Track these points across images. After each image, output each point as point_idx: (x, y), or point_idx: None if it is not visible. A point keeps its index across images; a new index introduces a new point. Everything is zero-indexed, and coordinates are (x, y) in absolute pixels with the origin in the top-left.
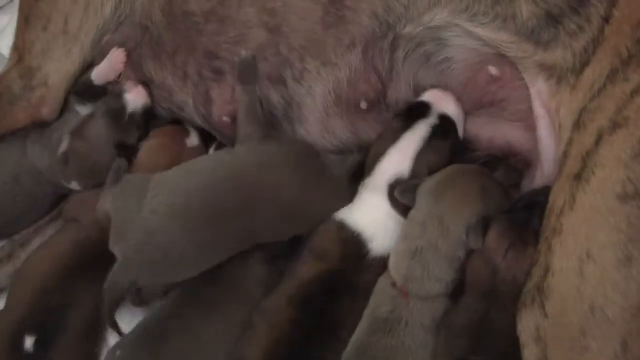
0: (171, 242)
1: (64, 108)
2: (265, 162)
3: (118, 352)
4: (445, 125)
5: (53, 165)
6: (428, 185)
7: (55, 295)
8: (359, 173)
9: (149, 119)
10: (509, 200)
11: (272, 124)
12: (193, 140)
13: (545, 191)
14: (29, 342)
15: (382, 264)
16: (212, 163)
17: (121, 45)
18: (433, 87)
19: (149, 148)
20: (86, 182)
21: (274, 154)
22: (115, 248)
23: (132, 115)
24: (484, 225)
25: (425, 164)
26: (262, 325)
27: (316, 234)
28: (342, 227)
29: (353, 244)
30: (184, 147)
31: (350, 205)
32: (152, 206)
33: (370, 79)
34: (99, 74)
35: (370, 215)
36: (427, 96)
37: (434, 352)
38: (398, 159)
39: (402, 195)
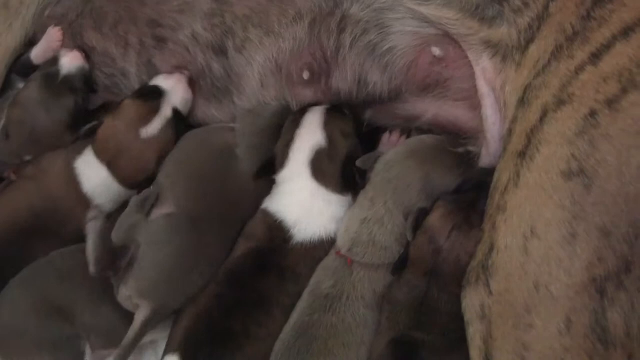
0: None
1: (7, 86)
2: None
3: None
4: (336, 106)
5: (1, 146)
6: (381, 162)
7: (10, 248)
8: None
9: (87, 83)
10: (459, 178)
11: (215, 95)
12: (151, 128)
13: (492, 172)
14: None
15: (306, 248)
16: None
17: (62, 16)
18: (377, 83)
19: (104, 129)
20: (33, 151)
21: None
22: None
23: (66, 77)
24: (420, 215)
25: (337, 129)
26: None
27: (247, 224)
28: (266, 213)
29: (277, 229)
30: (136, 137)
31: (271, 195)
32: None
33: (315, 53)
34: (38, 54)
35: (293, 202)
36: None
37: (377, 329)
38: (309, 135)
39: (363, 162)
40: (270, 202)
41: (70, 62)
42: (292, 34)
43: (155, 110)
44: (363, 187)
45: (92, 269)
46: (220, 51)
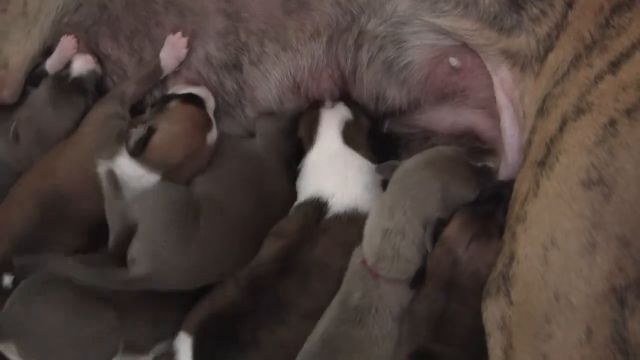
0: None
1: (23, 98)
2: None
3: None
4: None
5: (12, 151)
6: (400, 171)
7: (29, 243)
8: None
9: (98, 87)
10: (477, 190)
11: (225, 111)
12: (213, 135)
13: (509, 183)
14: (7, 280)
15: (341, 222)
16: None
17: (79, 23)
18: (395, 97)
19: (167, 134)
20: (41, 152)
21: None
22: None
23: (76, 79)
24: (437, 225)
25: (359, 110)
26: (205, 299)
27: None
28: (299, 205)
29: (312, 210)
30: (203, 143)
31: (298, 191)
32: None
33: (333, 74)
34: (53, 64)
35: (327, 173)
36: None
37: (398, 341)
38: (335, 111)
39: (381, 170)
40: (301, 195)
41: (82, 64)
42: (310, 51)
43: (209, 119)
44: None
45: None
46: (234, 67)
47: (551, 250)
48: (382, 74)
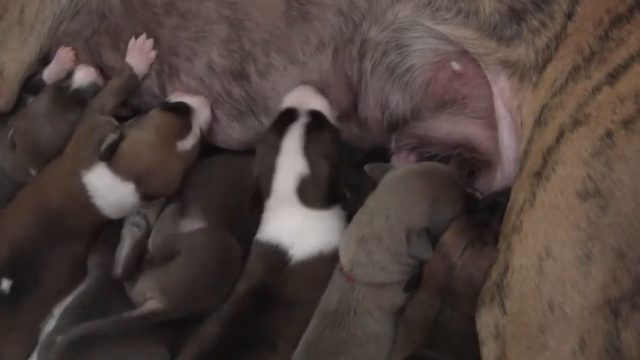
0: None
1: (20, 104)
2: None
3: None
4: (316, 118)
5: (8, 159)
6: (391, 174)
7: (29, 254)
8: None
9: None
10: (467, 208)
11: (236, 118)
12: (187, 143)
13: (507, 192)
14: (5, 284)
15: (307, 267)
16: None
17: (77, 33)
18: (398, 103)
19: (134, 141)
20: (36, 164)
21: None
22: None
23: (76, 91)
24: (424, 235)
25: (319, 154)
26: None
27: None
28: (260, 243)
29: (274, 255)
30: (172, 151)
31: (261, 224)
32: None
33: (342, 87)
34: (50, 75)
35: (286, 225)
36: (289, 100)
37: (393, 347)
38: (290, 164)
39: (371, 170)
40: (262, 231)
41: (83, 76)
42: (318, 64)
43: (188, 127)
44: (355, 199)
45: (118, 270)
46: (240, 76)
47: (546, 260)
48: (386, 80)
